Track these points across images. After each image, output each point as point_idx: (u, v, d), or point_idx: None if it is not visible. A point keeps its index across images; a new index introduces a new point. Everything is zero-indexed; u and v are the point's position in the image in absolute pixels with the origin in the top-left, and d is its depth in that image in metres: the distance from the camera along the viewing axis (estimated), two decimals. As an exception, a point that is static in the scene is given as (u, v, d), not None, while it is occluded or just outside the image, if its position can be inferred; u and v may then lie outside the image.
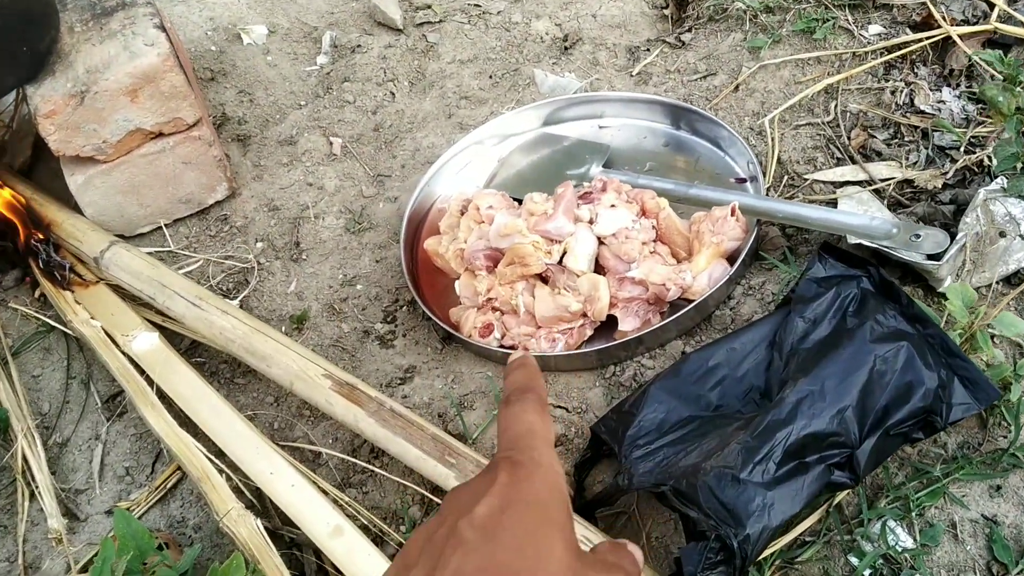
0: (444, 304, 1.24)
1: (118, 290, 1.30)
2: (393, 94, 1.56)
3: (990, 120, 1.25)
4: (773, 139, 1.33)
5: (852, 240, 1.07)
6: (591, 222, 1.15)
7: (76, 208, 1.36)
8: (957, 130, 1.25)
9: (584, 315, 1.13)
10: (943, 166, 1.24)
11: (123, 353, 1.21)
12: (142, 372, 1.19)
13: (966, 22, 1.37)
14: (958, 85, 1.32)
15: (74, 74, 1.26)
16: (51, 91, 1.25)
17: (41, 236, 1.35)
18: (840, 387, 0.87)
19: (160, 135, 1.33)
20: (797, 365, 0.91)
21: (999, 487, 0.95)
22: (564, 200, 1.15)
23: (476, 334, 1.15)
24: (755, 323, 1.00)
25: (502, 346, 1.15)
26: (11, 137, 1.53)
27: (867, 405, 0.87)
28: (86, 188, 1.33)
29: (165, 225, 1.42)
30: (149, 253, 1.39)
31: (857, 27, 1.43)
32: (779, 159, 1.31)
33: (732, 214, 1.14)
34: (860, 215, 1.10)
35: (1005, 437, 0.98)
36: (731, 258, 1.15)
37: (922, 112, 1.31)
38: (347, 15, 1.71)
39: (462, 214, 1.26)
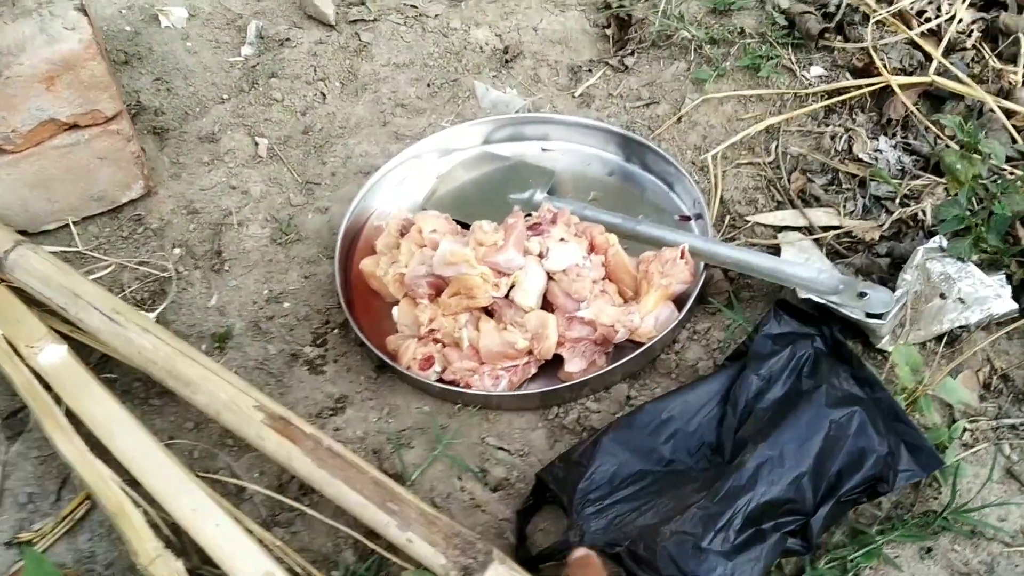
0: (379, 330, 1.19)
1: (21, 293, 1.19)
2: (324, 95, 1.49)
3: (925, 174, 1.29)
4: (716, 177, 1.33)
5: (801, 294, 1.08)
6: (541, 256, 1.12)
7: (-28, 199, 1.24)
8: (893, 181, 1.28)
9: (530, 352, 1.10)
10: (879, 216, 1.26)
11: (27, 366, 1.11)
12: (49, 389, 1.09)
13: (903, 71, 1.40)
14: (894, 135, 1.35)
15: (-20, 55, 1.15)
16: (-47, 72, 1.13)
17: (-69, 228, 1.23)
18: (798, 452, 0.87)
19: (75, 127, 1.23)
20: (755, 427, 0.90)
21: (930, 549, 0.98)
22: (515, 232, 1.11)
23: (416, 366, 1.11)
24: (708, 376, 0.99)
25: (441, 380, 1.11)
26: None
27: (822, 471, 0.87)
28: (-13, 180, 1.21)
29: (73, 223, 1.31)
30: (54, 253, 1.28)
31: (800, 67, 1.44)
32: (721, 198, 1.31)
33: (682, 256, 1.13)
34: (808, 267, 1.11)
35: (936, 498, 1.00)
36: (677, 301, 1.14)
37: (859, 160, 1.34)
38: (275, 4, 1.62)
39: (401, 235, 1.20)
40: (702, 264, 1.16)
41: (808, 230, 1.26)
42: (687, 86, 1.45)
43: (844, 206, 1.28)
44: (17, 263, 1.16)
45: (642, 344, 1.11)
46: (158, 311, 1.20)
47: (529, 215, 1.23)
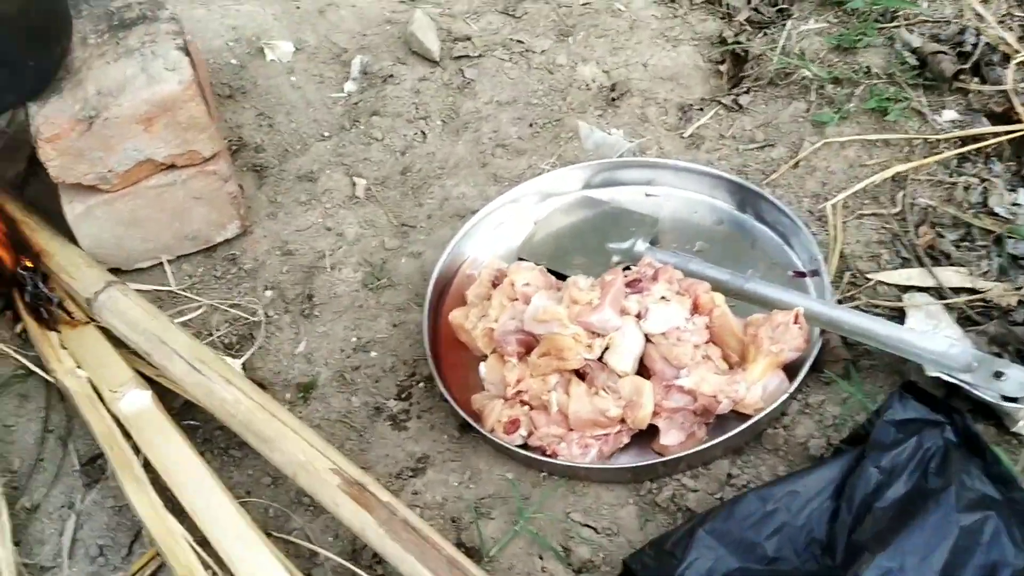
0: (466, 385, 1.13)
1: (110, 334, 1.18)
2: (424, 134, 1.45)
3: (1075, 233, 1.15)
4: (835, 228, 1.22)
5: (930, 371, 0.96)
6: (639, 316, 1.04)
7: (71, 236, 1.25)
8: (1036, 239, 1.15)
9: (623, 421, 1.02)
10: (1017, 279, 1.14)
11: (109, 412, 1.10)
12: (128, 436, 1.08)
13: (1051, 117, 1.26)
14: (1038, 187, 1.22)
15: (83, 95, 1.15)
16: (57, 113, 1.14)
17: (30, 264, 1.24)
18: (922, 566, 0.76)
19: (172, 167, 1.22)
20: (873, 530, 0.80)
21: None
22: (613, 290, 1.04)
23: (500, 429, 1.04)
24: (820, 463, 0.89)
25: (527, 445, 1.05)
26: (6, 144, 1.41)
27: (949, 586, 0.77)
28: (85, 218, 1.22)
29: (168, 261, 1.31)
30: (146, 292, 1.28)
31: (931, 111, 1.32)
32: (841, 253, 1.20)
33: (795, 321, 1.03)
34: (938, 340, 1.00)
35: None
36: (788, 369, 1.04)
37: (995, 214, 1.21)
38: (380, 39, 1.60)
39: (494, 285, 1.15)
40: (817, 329, 1.06)
41: (937, 292, 1.14)
42: (806, 128, 1.35)
43: (978, 265, 1.16)
44: (106, 305, 1.16)
45: (747, 416, 1.01)
46: (244, 357, 1.17)
47: (628, 268, 1.15)
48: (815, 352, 1.04)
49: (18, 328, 1.24)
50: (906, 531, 0.78)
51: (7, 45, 1.09)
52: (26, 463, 1.13)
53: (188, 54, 1.19)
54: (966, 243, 1.18)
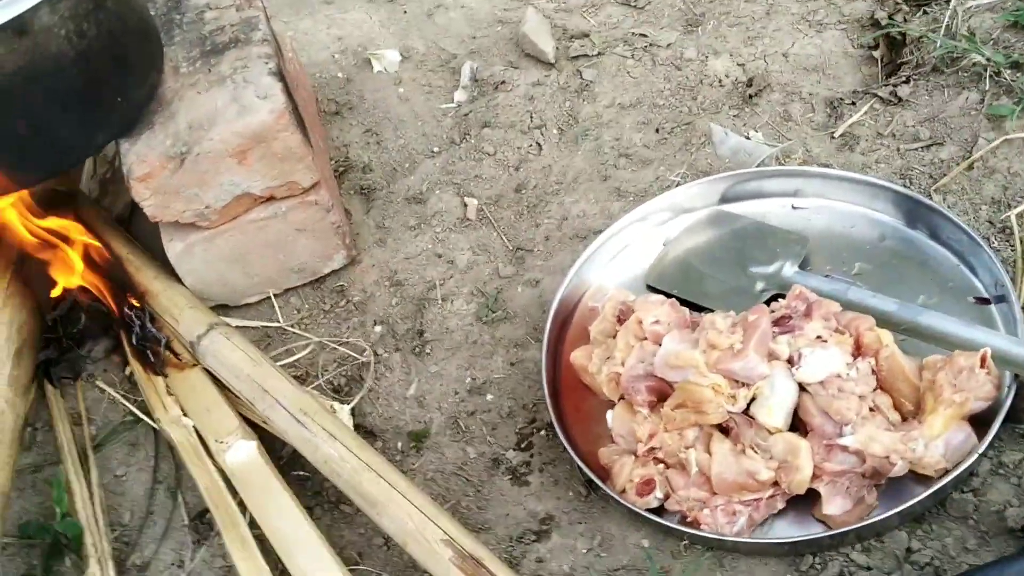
0: (592, 433, 1.01)
1: (216, 379, 1.12)
2: (540, 145, 1.33)
3: None
4: (1022, 242, 1.04)
5: None
6: (791, 362, 0.90)
7: (175, 274, 1.19)
8: None
9: (776, 484, 0.88)
10: None
11: (215, 464, 1.04)
12: (235, 492, 1.01)
13: None
14: None
15: (175, 129, 1.08)
16: (147, 150, 1.08)
17: (136, 304, 1.19)
18: None
19: (271, 199, 1.15)
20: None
21: None
22: (758, 332, 0.90)
23: (632, 491, 0.92)
24: (1027, 552, 0.73)
25: (663, 509, 0.92)
26: (113, 176, 1.37)
27: None
28: (186, 256, 1.16)
29: (275, 295, 1.24)
30: (255, 328, 1.21)
31: None
32: (1032, 272, 1.02)
33: (982, 364, 0.87)
34: None
35: None
36: (975, 421, 0.88)
37: None
38: (491, 42, 1.48)
39: (619, 321, 1.02)
40: (1009, 374, 0.89)
41: None
42: (980, 123, 1.16)
43: None
44: (209, 350, 1.09)
45: (928, 479, 0.86)
46: (353, 403, 1.09)
47: (775, 298, 1.01)
48: (1009, 401, 0.87)
49: (127, 371, 1.20)
50: None
51: (97, 79, 1.03)
52: (136, 516, 1.08)
53: (282, 79, 1.11)
54: None
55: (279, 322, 1.21)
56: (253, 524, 0.99)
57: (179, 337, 1.15)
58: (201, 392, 1.12)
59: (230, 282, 1.21)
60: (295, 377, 1.14)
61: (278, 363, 1.15)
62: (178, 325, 1.14)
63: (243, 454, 1.04)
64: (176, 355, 1.16)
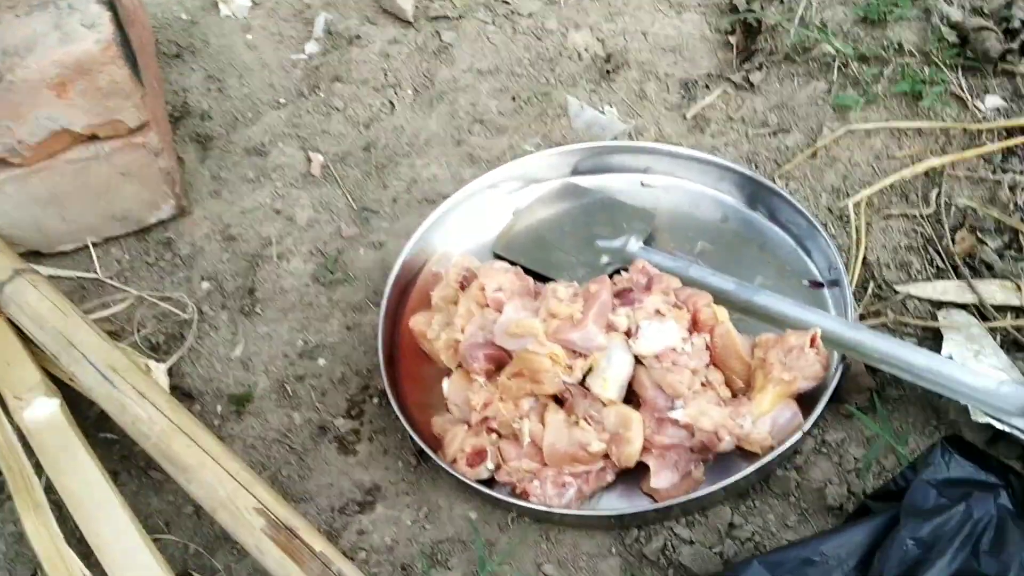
0: (427, 402, 0.97)
1: (21, 331, 1.02)
2: (392, 104, 1.28)
3: None
4: (858, 230, 1.06)
5: (978, 417, 0.81)
6: (628, 334, 0.88)
7: (-19, 214, 1.08)
8: (1094, 252, 0.99)
9: (606, 457, 0.87)
10: (1072, 296, 0.98)
11: (11, 423, 0.95)
12: (32, 454, 0.92)
13: (1110, 108, 1.10)
14: (1096, 190, 1.06)
15: (-15, 53, 0.98)
16: (-49, 72, 0.96)
17: (-68, 245, 1.07)
18: (971, 674, 0.61)
19: (93, 138, 1.05)
20: (907, 624, 0.65)
21: None
22: (598, 303, 0.88)
23: (463, 461, 0.89)
24: (842, 528, 0.74)
25: (493, 481, 0.89)
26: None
27: None
28: (-7, 195, 1.05)
29: (93, 244, 1.14)
30: (69, 279, 1.12)
31: (972, 96, 1.15)
32: (865, 259, 1.04)
33: (812, 344, 0.88)
34: (985, 375, 0.84)
35: None
36: (802, 400, 0.89)
37: (1047, 218, 1.05)
38: (349, -5, 1.42)
39: (462, 288, 0.98)
40: (837, 354, 0.90)
41: (978, 309, 0.98)
42: (826, 112, 1.18)
43: (1025, 279, 1.00)
44: (12, 298, 0.99)
45: (754, 456, 0.86)
46: (171, 362, 1.01)
47: (618, 272, 0.99)
48: (835, 381, 0.88)
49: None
50: (951, 629, 0.63)
51: None
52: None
53: (112, 8, 1.01)
54: (1012, 251, 1.03)
55: (96, 273, 1.12)
56: (52, 488, 0.91)
57: (-21, 282, 1.04)
58: (3, 345, 1.02)
59: (44, 227, 1.10)
60: (110, 333, 1.05)
61: (93, 316, 1.06)
62: (-22, 269, 1.03)
63: (43, 412, 0.94)
64: (-24, 303, 1.05)
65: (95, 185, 1.08)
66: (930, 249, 1.05)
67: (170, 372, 1.01)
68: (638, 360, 0.89)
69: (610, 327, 0.89)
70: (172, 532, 0.92)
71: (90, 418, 0.99)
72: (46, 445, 0.93)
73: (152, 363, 1.00)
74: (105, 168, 1.07)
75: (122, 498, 0.88)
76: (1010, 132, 1.12)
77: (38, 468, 0.92)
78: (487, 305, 0.94)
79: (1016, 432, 0.79)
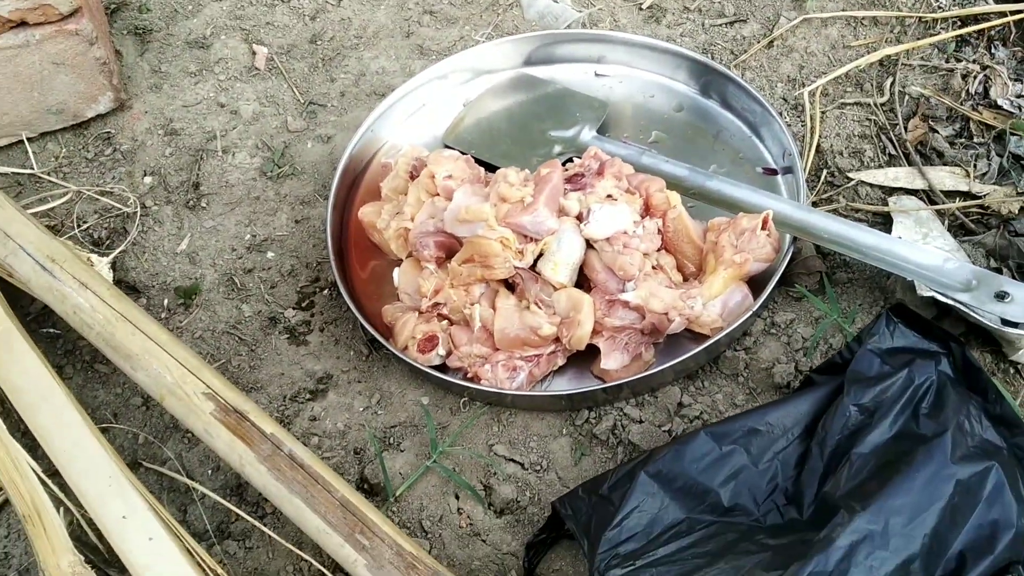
0: (378, 293, 0.96)
1: (-47, 225, 0.99)
2: (340, -5, 1.24)
3: (1086, 130, 1.00)
4: (813, 119, 1.05)
5: (922, 290, 0.82)
6: (580, 218, 0.88)
7: (-93, 106, 1.04)
8: (1042, 138, 0.99)
9: (557, 340, 0.86)
10: (1019, 182, 0.99)
11: (-53, 318, 0.92)
12: (-30, 348, 0.90)
13: (1063, -5, 1.10)
14: (1047, 77, 1.06)
15: (-100, -72, 0.92)
16: None
17: None
18: (909, 528, 0.63)
19: (22, 24, 1.00)
20: (850, 483, 0.66)
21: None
22: (549, 187, 0.87)
23: (414, 347, 0.88)
24: (788, 398, 0.75)
25: (444, 367, 0.89)
26: None
27: (938, 553, 0.63)
28: (-83, 84, 1.00)
29: (29, 139, 1.10)
30: (3, 174, 1.08)
31: (928, -16, 1.14)
32: (819, 147, 1.04)
33: (763, 226, 0.88)
34: (931, 252, 0.85)
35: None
36: (753, 283, 0.89)
37: (997, 107, 1.05)
38: None
39: (412, 177, 0.97)
40: (788, 237, 0.90)
41: (927, 195, 0.99)
42: (783, 2, 1.17)
43: (975, 166, 1.01)
44: (-57, 190, 0.95)
45: (703, 337, 0.86)
46: (113, 256, 0.99)
47: (571, 160, 0.98)
48: (785, 263, 0.89)
49: None
50: (892, 486, 0.64)
51: None
52: None
53: None
54: (962, 140, 1.03)
55: (33, 168, 1.08)
56: (-8, 384, 0.89)
57: (-92, 176, 1.00)
58: (-65, 240, 0.98)
59: (-26, 120, 1.06)
60: (49, 227, 1.03)
61: (30, 211, 1.03)
62: (-94, 162, 0.99)
63: (-19, 307, 0.92)
64: (-93, 199, 1.01)
65: (26, 76, 1.04)
66: (883, 137, 1.04)
67: (114, 266, 0.99)
68: (589, 244, 0.88)
69: (561, 211, 0.88)
70: (120, 423, 0.90)
71: (31, 314, 0.97)
72: (-15, 338, 0.91)
73: (94, 256, 0.98)
74: (36, 57, 1.03)
75: (67, 389, 0.86)
76: (964, 21, 1.11)
77: (-22, 363, 0.90)
78: (437, 194, 0.93)
79: (959, 306, 0.80)
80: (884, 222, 0.96)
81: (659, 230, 0.89)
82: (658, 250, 0.89)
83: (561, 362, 0.88)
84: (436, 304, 0.89)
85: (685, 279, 0.90)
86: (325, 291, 0.99)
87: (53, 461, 0.83)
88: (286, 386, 0.92)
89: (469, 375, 0.87)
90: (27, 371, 0.88)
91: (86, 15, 1.03)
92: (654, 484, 0.72)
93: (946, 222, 0.95)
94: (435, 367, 0.88)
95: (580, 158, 0.96)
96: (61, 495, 0.82)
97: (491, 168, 1.00)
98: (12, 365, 0.88)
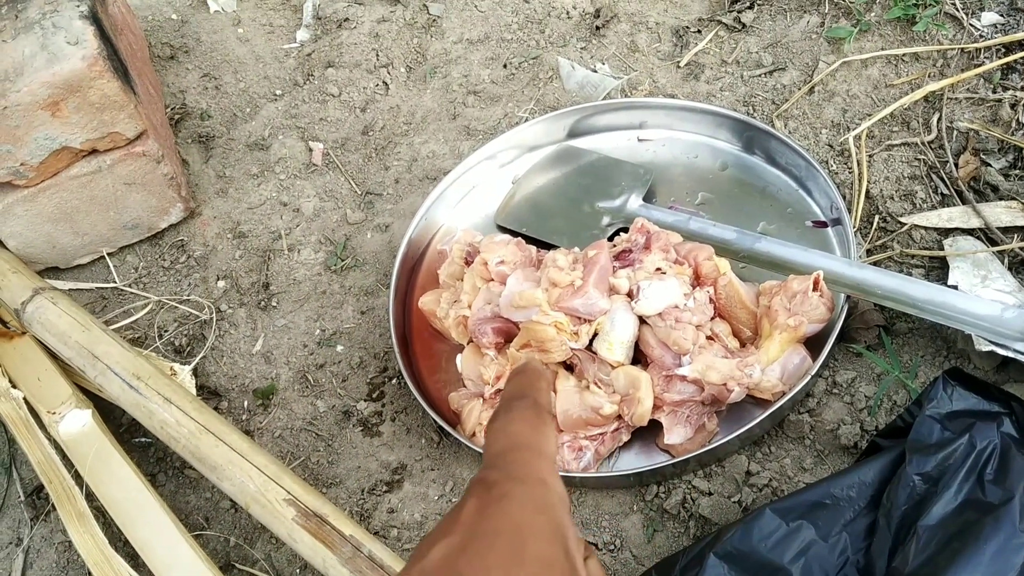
0: (444, 379, 0.99)
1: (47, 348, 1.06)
2: (387, 84, 1.28)
3: None
4: (860, 164, 1.05)
5: (981, 345, 0.81)
6: (630, 295, 0.89)
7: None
8: (1101, 163, 0.97)
9: (619, 418, 0.88)
10: (1080, 210, 0.97)
11: (47, 437, 0.98)
12: (71, 466, 0.96)
13: (1111, 11, 1.08)
14: (1100, 98, 1.04)
15: (-21, 81, 1.00)
16: (-51, 105, 0.99)
17: (-44, 272, 1.10)
18: (982, 604, 0.62)
19: (93, 152, 1.07)
20: (918, 558, 0.66)
21: None
22: (597, 268, 0.89)
23: (482, 434, 0.91)
24: (851, 469, 0.75)
25: (515, 450, 0.91)
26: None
27: (1016, 625, 0.63)
28: (6, 218, 1.08)
29: (109, 255, 1.17)
30: (89, 290, 1.15)
31: (967, 14, 1.13)
32: (868, 192, 1.03)
33: (815, 288, 0.88)
34: (987, 301, 0.84)
35: None
36: (811, 343, 0.89)
37: (1051, 133, 1.03)
38: (334, -23, 1.42)
39: (467, 263, 1.00)
40: (843, 295, 0.90)
41: (984, 234, 0.98)
42: (821, 46, 1.17)
43: (1032, 198, 0.99)
44: (35, 317, 1.02)
45: (766, 403, 0.87)
46: (194, 363, 1.04)
47: (619, 232, 1.00)
48: (841, 320, 0.89)
49: (-50, 344, 1.12)
50: (960, 561, 0.64)
51: None
52: (-34, 497, 1.02)
53: (95, 22, 1.03)
54: (1017, 171, 1.01)
55: (115, 282, 1.15)
56: (93, 496, 0.95)
57: (4, 305, 1.07)
58: (32, 362, 1.05)
59: (58, 243, 1.13)
60: (133, 340, 1.09)
61: (115, 325, 1.10)
62: (2, 292, 1.06)
63: (77, 424, 0.98)
64: (5, 324, 1.09)
65: (102, 197, 1.11)
66: (933, 176, 1.04)
67: (195, 372, 1.04)
68: (642, 320, 0.89)
69: (612, 290, 0.90)
70: (212, 527, 0.95)
71: (123, 425, 1.03)
72: (83, 455, 0.96)
73: (177, 366, 1.03)
74: (109, 180, 1.10)
75: (160, 499, 0.91)
76: (1008, 48, 1.09)
77: (78, 478, 0.96)
78: (492, 279, 0.96)
79: (1020, 356, 0.79)
80: (941, 267, 0.95)
81: (711, 299, 0.91)
82: (712, 319, 0.90)
83: (626, 438, 0.89)
84: (499, 390, 0.91)
85: (742, 343, 0.91)
86: (393, 380, 1.02)
87: (152, 571, 0.88)
88: (363, 479, 0.95)
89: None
90: (123, 484, 0.93)
91: (151, 136, 1.09)
92: (724, 565, 0.73)
93: (1006, 261, 0.94)
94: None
95: (629, 228, 0.98)
96: (163, 604, 0.86)
97: (544, 245, 1.02)
98: (109, 479, 0.94)
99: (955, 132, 1.06)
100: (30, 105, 0.99)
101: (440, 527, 0.40)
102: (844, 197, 1.02)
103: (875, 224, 1.02)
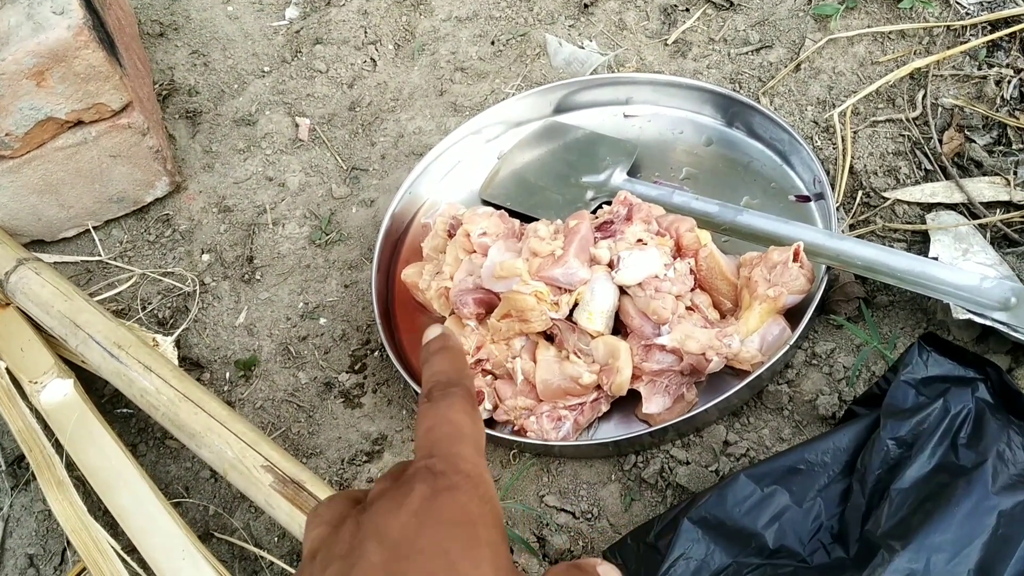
0: (425, 351, 0.99)
1: (31, 318, 1.06)
2: (374, 61, 1.28)
3: None
4: (845, 140, 1.05)
5: (958, 312, 0.81)
6: (611, 265, 0.89)
7: (-18, 209, 1.11)
8: (1085, 139, 0.97)
9: (599, 388, 0.88)
10: (1064, 186, 0.97)
11: (29, 406, 0.99)
12: (52, 435, 0.96)
13: (1098, -11, 1.07)
14: (1086, 75, 1.04)
15: (-37, 50, 1.00)
16: (-67, 73, 0.99)
17: (-59, 243, 1.10)
18: (951, 565, 0.62)
19: (79, 124, 1.07)
20: (891, 520, 0.66)
21: None
22: (578, 238, 0.89)
23: (462, 404, 0.90)
24: (826, 434, 0.75)
25: (492, 420, 0.91)
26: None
27: (986, 587, 0.63)
28: (-11, 189, 1.08)
29: (95, 228, 1.17)
30: (74, 263, 1.15)
31: (954, -9, 1.13)
32: (852, 168, 1.03)
33: (795, 258, 0.88)
34: (966, 271, 0.84)
35: None
36: (790, 314, 0.89)
37: (1036, 110, 1.03)
38: (323, -45, 1.41)
39: (449, 236, 1.00)
40: (823, 266, 0.90)
41: (967, 208, 0.97)
42: (807, 24, 1.17)
43: (1015, 173, 0.99)
44: (19, 287, 1.02)
45: (744, 373, 0.87)
46: (176, 335, 1.04)
47: (602, 205, 1.00)
48: (821, 291, 0.89)
49: (-66, 315, 1.12)
50: (932, 522, 0.64)
51: None
52: (-53, 467, 1.02)
53: (80, -9, 1.03)
54: (1000, 147, 1.01)
55: (100, 255, 1.15)
56: (73, 466, 0.95)
57: (-13, 275, 1.07)
58: (15, 333, 1.05)
59: (44, 215, 1.13)
60: (117, 312, 1.09)
61: (99, 297, 1.10)
62: (-16, 263, 1.06)
63: (59, 393, 0.98)
64: (-12, 295, 1.09)
65: (87, 169, 1.11)
66: (918, 152, 1.03)
67: (178, 344, 1.04)
68: (623, 291, 0.89)
69: (593, 260, 0.89)
70: (192, 496, 0.95)
71: (105, 396, 1.03)
72: (64, 424, 0.96)
73: (159, 337, 1.03)
74: (95, 152, 1.10)
75: (140, 467, 0.91)
76: (994, 25, 1.09)
77: (58, 447, 0.96)
78: (474, 251, 0.95)
79: (999, 326, 0.79)
80: (923, 241, 0.95)
81: (691, 270, 0.90)
82: (692, 290, 0.90)
83: (605, 408, 0.89)
84: (479, 360, 0.91)
85: (723, 315, 0.91)
86: (376, 353, 1.02)
87: (131, 538, 0.88)
88: (344, 449, 0.96)
89: (516, 428, 0.90)
90: (103, 452, 0.93)
91: (137, 108, 1.09)
92: (698, 530, 0.73)
93: (988, 235, 0.94)
94: (483, 422, 0.90)
95: (612, 202, 0.98)
96: (140, 571, 0.87)
97: (528, 220, 1.02)
98: (89, 447, 0.94)
99: (940, 109, 1.06)
100: (15, 74, 0.99)
101: (388, 500, 0.40)
102: (828, 172, 1.02)
103: (858, 199, 1.01)
